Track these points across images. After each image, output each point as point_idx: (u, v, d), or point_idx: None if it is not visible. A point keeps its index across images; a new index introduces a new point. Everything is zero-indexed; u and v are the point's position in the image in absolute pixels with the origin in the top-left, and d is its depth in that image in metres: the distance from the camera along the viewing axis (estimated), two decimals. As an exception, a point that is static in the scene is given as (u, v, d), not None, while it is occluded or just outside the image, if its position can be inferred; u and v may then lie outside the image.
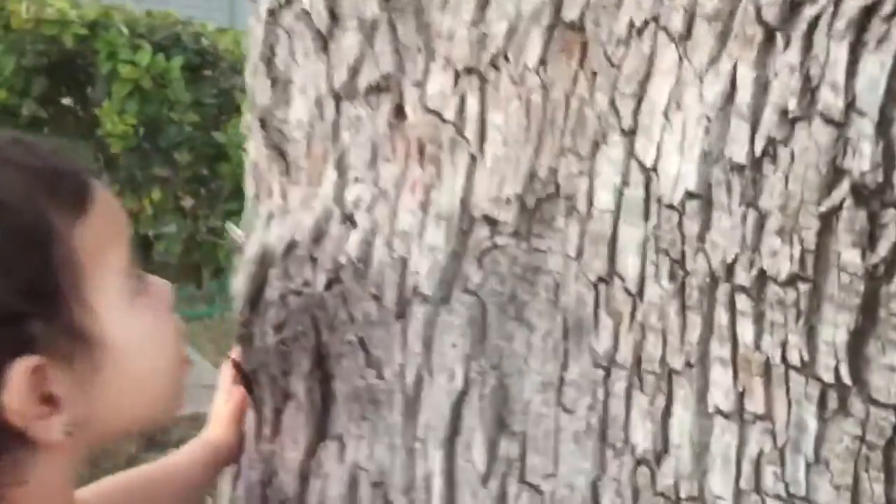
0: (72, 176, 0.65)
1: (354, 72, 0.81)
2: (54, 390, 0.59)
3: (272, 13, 0.90)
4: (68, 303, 0.61)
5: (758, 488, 0.64)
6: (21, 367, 0.57)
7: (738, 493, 0.65)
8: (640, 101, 0.66)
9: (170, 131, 3.04)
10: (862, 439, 0.61)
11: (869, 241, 0.59)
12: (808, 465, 0.63)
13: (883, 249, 0.59)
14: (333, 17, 0.83)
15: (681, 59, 0.64)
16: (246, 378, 0.94)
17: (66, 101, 3.00)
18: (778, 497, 0.64)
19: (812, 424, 0.63)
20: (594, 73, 0.68)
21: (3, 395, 0.56)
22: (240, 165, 3.15)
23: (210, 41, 3.19)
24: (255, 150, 0.96)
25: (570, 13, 0.68)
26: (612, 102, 0.67)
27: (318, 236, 0.83)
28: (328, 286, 0.82)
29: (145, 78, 2.83)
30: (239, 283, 0.94)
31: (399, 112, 0.78)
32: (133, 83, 2.82)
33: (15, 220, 0.60)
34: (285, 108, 0.89)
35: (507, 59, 0.71)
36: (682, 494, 0.66)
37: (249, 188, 1.03)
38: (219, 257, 3.21)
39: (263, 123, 0.91)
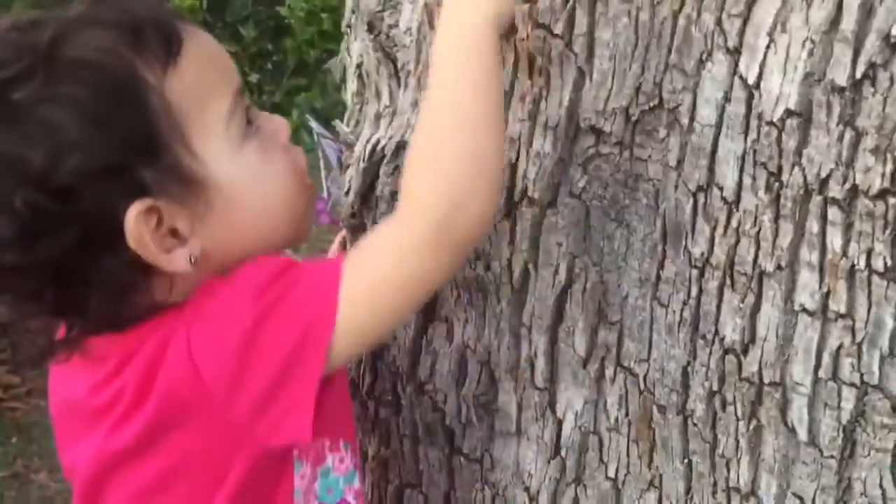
0: (158, 27, 0.70)
1: (464, -17, 0.85)
2: (177, 226, 0.70)
3: (380, -82, 0.93)
4: (171, 149, 0.69)
5: (835, 377, 0.72)
6: (134, 210, 0.67)
7: (816, 381, 0.73)
8: (745, 21, 0.70)
9: (235, 5, 3.05)
10: (935, 336, 0.69)
11: (959, 159, 0.64)
12: (882, 358, 0.71)
13: (971, 168, 0.64)
14: (443, -76, 0.86)
15: (789, -18, 0.67)
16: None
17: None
18: (853, 385, 0.72)
19: (889, 323, 0.70)
20: (702, -7, 0.71)
21: (127, 235, 0.67)
22: (303, 40, 3.18)
23: None
24: (360, 51, 1.02)
25: (682, -68, 0.71)
26: (719, 22, 0.71)
27: (429, 139, 0.89)
28: (438, 186, 0.89)
29: (212, -49, 2.84)
30: (348, 175, 1.02)
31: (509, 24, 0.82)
32: (199, -44, 2.83)
33: (102, 77, 0.67)
34: (394, 14, 0.93)
35: (617, -24, 0.75)
36: (766, 380, 0.75)
37: (351, 86, 1.09)
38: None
39: (371, 27, 0.96)
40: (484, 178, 0.70)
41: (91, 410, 0.73)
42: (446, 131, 0.70)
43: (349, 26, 1.09)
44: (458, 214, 0.68)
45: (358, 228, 0.99)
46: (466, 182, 0.68)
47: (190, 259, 0.70)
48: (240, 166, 0.73)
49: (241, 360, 0.68)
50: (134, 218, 0.67)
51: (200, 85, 0.71)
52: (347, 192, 0.98)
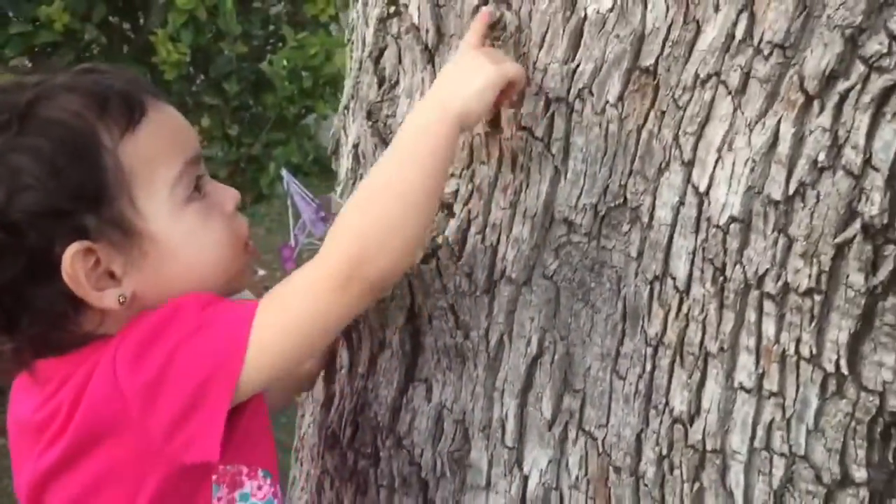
0: (125, 98, 0.81)
1: (457, 84, 0.96)
2: (112, 268, 0.79)
3: (382, 21, 1.05)
4: (115, 202, 0.79)
5: (767, 447, 0.83)
6: (71, 250, 0.76)
7: (751, 450, 0.84)
8: (698, 139, 0.82)
9: (220, 61, 3.16)
10: (852, 415, 0.80)
11: (872, 267, 0.76)
12: (808, 432, 0.82)
13: (882, 275, 0.76)
14: (440, 34, 0.98)
15: (735, 109, 0.80)
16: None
17: (125, 26, 3.12)
18: (783, 455, 0.82)
19: (814, 402, 0.81)
20: (662, 112, 0.84)
21: (62, 271, 0.76)
22: (284, 97, 3.29)
23: (259, -28, 3.30)
24: (358, 133, 1.12)
25: (647, 60, 0.84)
26: (676, 138, 0.83)
27: (419, 219, 1.00)
28: (425, 261, 0.99)
29: (200, 9, 2.95)
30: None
31: (494, 124, 0.94)
32: (188, 13, 2.94)
33: (64, 134, 0.78)
34: (391, 106, 1.05)
35: (591, 93, 0.87)
36: (708, 448, 0.85)
37: (346, 162, 1.19)
38: (261, 184, 3.38)
39: (370, 115, 1.07)
40: (397, 239, 0.80)
41: (32, 429, 0.81)
42: (379, 192, 0.82)
43: (346, 108, 1.20)
44: (367, 263, 0.78)
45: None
46: (381, 238, 0.79)
47: (119, 299, 0.79)
48: (177, 225, 0.82)
49: (158, 383, 0.76)
50: (70, 257, 0.76)
51: (153, 151, 0.81)
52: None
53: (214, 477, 0.82)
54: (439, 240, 0.97)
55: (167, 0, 2.93)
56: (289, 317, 0.79)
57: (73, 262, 0.76)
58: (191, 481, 0.81)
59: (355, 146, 1.14)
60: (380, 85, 1.06)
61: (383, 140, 1.06)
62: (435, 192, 0.83)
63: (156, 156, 0.81)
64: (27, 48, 2.78)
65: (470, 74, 0.83)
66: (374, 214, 0.81)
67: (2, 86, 0.81)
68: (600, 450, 0.91)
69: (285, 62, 3.31)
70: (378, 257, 0.79)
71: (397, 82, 1.04)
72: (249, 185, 3.40)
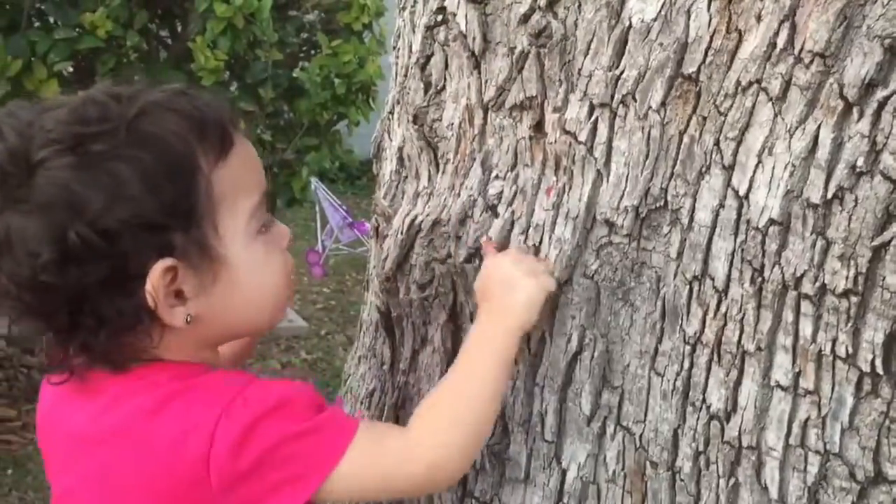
0: (220, 127, 0.84)
1: (502, 90, 1.00)
2: (183, 287, 0.82)
3: (429, 29, 1.08)
4: (202, 224, 0.82)
5: (802, 444, 0.85)
6: (160, 265, 0.79)
7: (786, 447, 0.86)
8: (739, 144, 0.85)
9: (255, 68, 3.22)
10: (886, 414, 0.82)
11: (908, 269, 0.79)
12: (842, 430, 0.84)
13: (918, 277, 0.78)
14: (486, 41, 1.02)
15: (776, 115, 0.82)
16: (388, 321, 1.16)
17: (163, 33, 3.20)
18: (817, 452, 0.85)
19: (849, 400, 0.83)
20: (704, 118, 0.87)
21: (147, 283, 0.79)
22: (317, 103, 3.34)
23: (296, -20, 3.36)
24: (403, 136, 1.16)
25: (689, 68, 0.87)
26: (717, 143, 0.86)
27: (464, 219, 1.03)
28: (468, 259, 1.02)
29: (238, 17, 3.01)
30: (386, 245, 1.16)
31: (539, 128, 0.97)
32: (226, 21, 3.00)
33: (169, 153, 0.80)
34: (437, 110, 1.08)
35: (634, 98, 0.90)
36: (744, 444, 0.88)
37: (390, 164, 1.23)
38: (294, 189, 3.44)
39: (416, 119, 1.10)
40: (474, 445, 0.90)
41: (91, 438, 0.83)
42: (457, 406, 0.89)
43: (391, 113, 1.24)
44: (443, 467, 0.87)
45: (392, 291, 1.12)
46: (459, 446, 0.87)
47: (186, 318, 0.82)
48: (248, 255, 0.86)
49: (248, 473, 0.78)
50: (159, 271, 0.79)
51: (239, 181, 0.85)
52: (385, 260, 1.11)
53: None
54: (483, 239, 1.01)
55: (206, 8, 2.99)
56: (377, 468, 0.85)
57: (158, 277, 0.79)
58: None
59: (399, 149, 1.17)
60: (426, 90, 1.09)
61: (429, 144, 1.10)
62: (500, 392, 0.92)
63: (241, 185, 0.85)
64: (71, 53, 2.84)
65: (518, 286, 0.92)
66: (453, 422, 0.88)
67: (104, 92, 0.83)
68: (637, 445, 0.93)
69: (319, 69, 3.37)
70: (453, 465, 0.88)
71: (443, 87, 1.08)
72: (282, 189, 3.46)
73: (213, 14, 2.99)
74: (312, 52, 3.50)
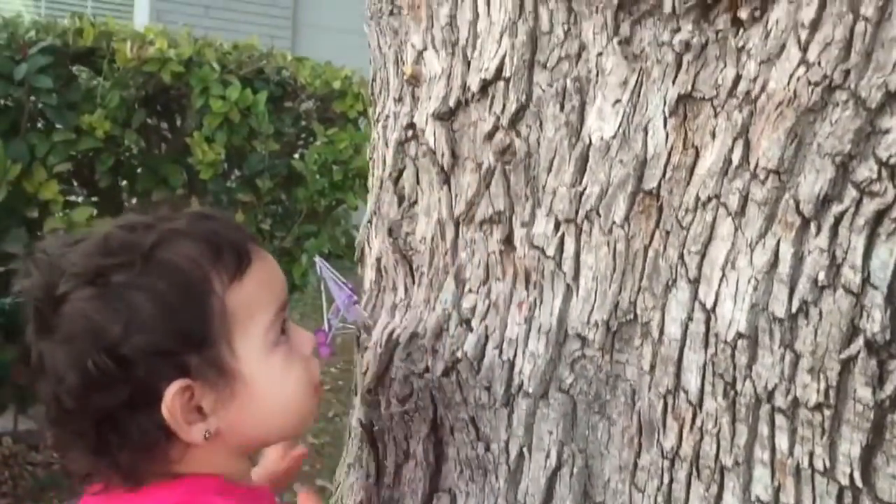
0: (236, 248, 0.86)
1: (471, 205, 1.01)
2: (202, 404, 0.83)
3: (400, 144, 1.11)
4: (217, 344, 0.83)
5: (788, 561, 0.83)
6: (174, 387, 0.80)
7: (772, 564, 0.84)
8: (702, 257, 0.85)
9: (253, 159, 3.28)
10: (870, 528, 0.80)
11: (878, 381, 0.78)
12: (827, 545, 0.82)
13: (889, 389, 0.78)
14: (454, 156, 1.03)
15: (736, 230, 0.83)
16: (371, 435, 1.15)
17: (162, 127, 3.26)
18: (803, 569, 0.83)
19: (831, 515, 0.82)
20: (667, 232, 0.87)
21: (162, 405, 0.80)
22: (315, 191, 3.38)
23: (290, 72, 3.43)
24: (380, 248, 1.17)
25: (650, 184, 0.88)
26: (681, 256, 0.86)
27: (439, 332, 1.03)
28: (446, 373, 1.02)
29: (234, 111, 3.07)
30: (366, 357, 1.16)
31: (508, 242, 0.98)
32: (223, 116, 3.06)
33: (181, 278, 0.82)
34: (411, 224, 1.10)
35: (598, 214, 0.91)
36: (729, 562, 0.86)
37: (369, 274, 1.24)
38: (294, 276, 3.45)
39: (391, 232, 1.12)
40: None
41: None
42: None
43: (370, 222, 1.25)
44: None
45: (374, 404, 1.12)
46: None
47: (205, 434, 0.83)
48: (266, 368, 0.86)
49: None
50: (172, 393, 0.80)
51: (254, 299, 0.86)
52: (365, 373, 1.11)
53: None
54: (458, 354, 1.01)
55: (203, 104, 3.06)
56: None
57: (173, 398, 0.80)
58: None
59: (378, 260, 1.18)
60: (399, 203, 1.11)
61: (404, 256, 1.11)
62: None
63: (256, 302, 0.86)
64: (69, 155, 2.90)
65: None
66: None
67: (124, 224, 0.87)
68: (623, 563, 0.92)
69: (316, 157, 3.42)
70: None
71: (416, 201, 1.09)
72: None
73: (209, 109, 3.05)
74: (309, 140, 3.55)
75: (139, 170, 3.19)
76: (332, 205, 3.57)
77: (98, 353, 0.79)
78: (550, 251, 0.94)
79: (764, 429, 0.83)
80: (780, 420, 0.82)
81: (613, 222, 0.90)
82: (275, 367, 0.87)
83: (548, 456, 0.95)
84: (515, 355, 0.97)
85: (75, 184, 3.15)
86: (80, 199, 3.13)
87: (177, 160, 3.24)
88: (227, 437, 0.85)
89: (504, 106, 0.96)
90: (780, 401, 0.82)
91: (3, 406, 3.22)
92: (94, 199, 3.18)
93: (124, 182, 3.19)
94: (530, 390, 0.95)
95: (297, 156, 3.53)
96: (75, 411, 0.81)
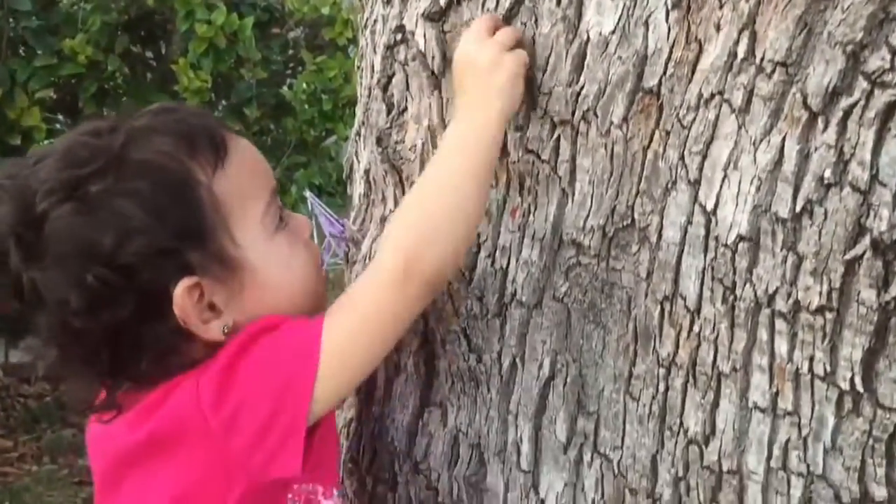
0: (209, 135, 0.83)
1: (463, 109, 0.97)
2: (214, 300, 0.82)
3: (389, 48, 1.06)
4: (217, 237, 0.81)
5: (784, 467, 0.82)
6: (181, 287, 0.79)
7: (768, 470, 0.82)
8: (704, 158, 0.82)
9: (240, 87, 3.21)
10: (869, 433, 0.79)
11: (883, 283, 0.75)
12: (825, 451, 0.80)
13: (894, 290, 0.75)
14: (445, 59, 0.99)
15: (739, 127, 0.79)
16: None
17: (147, 55, 3.18)
18: (800, 474, 0.81)
19: (831, 420, 0.80)
20: (667, 132, 0.84)
21: (174, 306, 0.78)
22: (304, 120, 3.32)
23: (278, -2, 3.35)
24: (368, 159, 1.13)
25: (650, 81, 0.84)
26: (682, 157, 0.83)
27: (429, 244, 1.00)
28: (437, 285, 0.99)
29: (219, 36, 2.99)
30: (355, 271, 1.13)
31: (502, 148, 0.94)
32: (208, 41, 2.98)
33: (163, 175, 0.80)
34: (401, 132, 1.05)
35: (595, 115, 0.87)
36: (724, 468, 0.84)
37: (358, 187, 1.20)
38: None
39: (380, 141, 1.08)
40: (450, 233, 0.84)
41: (128, 449, 0.82)
42: (431, 188, 0.85)
43: (358, 134, 1.21)
44: (421, 258, 0.81)
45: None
46: (434, 233, 0.82)
47: (223, 329, 0.82)
48: (271, 253, 0.85)
49: (239, 408, 0.77)
50: (180, 293, 0.79)
51: (243, 185, 0.84)
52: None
53: (290, 496, 0.84)
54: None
55: (187, 29, 2.97)
56: (354, 319, 0.81)
57: (183, 298, 0.79)
58: (268, 498, 0.82)
59: (366, 172, 1.15)
60: (388, 111, 1.07)
61: (393, 166, 1.07)
62: (485, 185, 0.87)
63: (246, 188, 0.84)
64: (52, 80, 2.83)
65: (493, 68, 0.85)
66: (427, 210, 0.84)
67: (86, 131, 0.83)
68: (616, 472, 0.90)
69: (305, 86, 3.35)
70: (432, 252, 0.82)
71: (405, 108, 1.05)
72: (272, 208, 3.43)
73: (194, 34, 2.97)
74: (297, 69, 3.47)
75: (124, 98, 3.12)
76: (322, 135, 3.51)
77: (96, 267, 0.76)
78: (545, 155, 0.90)
79: (763, 334, 0.81)
80: (780, 324, 0.80)
81: (611, 123, 0.86)
82: (279, 251, 0.85)
83: (541, 366, 0.93)
84: (508, 263, 0.94)
85: (59, 112, 3.08)
86: (64, 128, 3.07)
87: (162, 88, 3.17)
88: (246, 326, 0.82)
89: (497, 2, 0.92)
90: (781, 304, 0.79)
91: (-7, 338, 3.20)
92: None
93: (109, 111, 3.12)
94: (523, 299, 0.93)
95: (286, 85, 3.46)
96: (85, 332, 0.78)
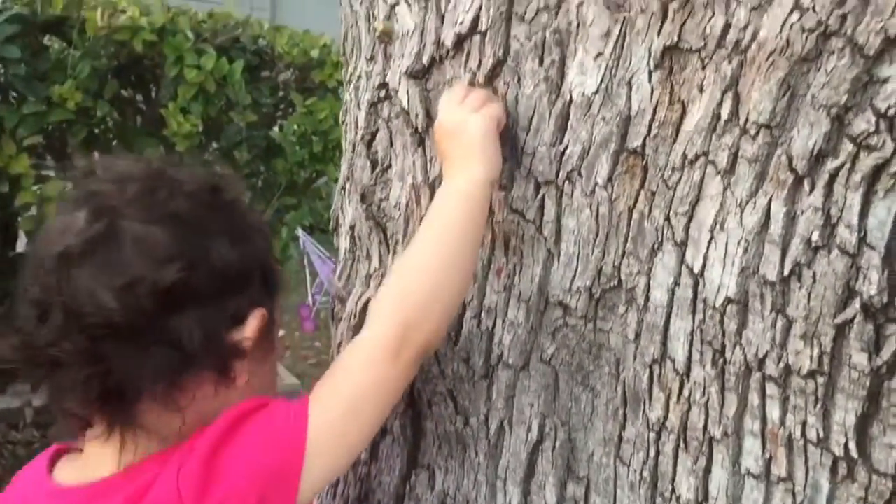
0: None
1: (447, 168, 0.96)
2: (251, 348, 0.80)
3: (373, 105, 1.05)
4: (275, 307, 0.83)
5: (779, 535, 0.80)
6: (261, 312, 0.79)
7: (763, 538, 0.80)
8: (690, 219, 0.81)
9: (230, 131, 3.20)
10: (865, 499, 0.77)
11: (875, 347, 0.74)
12: (820, 519, 0.78)
13: (886, 354, 0.73)
14: (429, 117, 0.98)
15: (725, 189, 0.78)
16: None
17: (137, 99, 3.17)
18: (795, 543, 0.79)
19: (825, 486, 0.78)
20: (653, 193, 0.82)
21: (246, 327, 0.78)
22: (295, 162, 3.31)
23: (267, 41, 3.34)
24: (353, 215, 1.12)
25: (634, 142, 0.83)
26: (668, 218, 0.82)
27: (415, 303, 0.98)
28: (422, 345, 0.97)
29: (209, 81, 2.99)
30: (339, 330, 1.11)
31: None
32: (198, 86, 2.98)
33: (252, 222, 0.83)
34: (385, 189, 1.04)
35: (580, 175, 0.86)
36: (718, 536, 0.82)
37: (344, 243, 1.19)
38: (273, 249, 3.39)
39: (364, 198, 1.06)
40: (441, 303, 0.83)
41: None
42: (420, 260, 0.84)
43: (343, 189, 1.20)
44: (416, 329, 0.80)
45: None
46: (427, 304, 0.82)
47: (246, 378, 0.80)
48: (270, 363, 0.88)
49: (223, 496, 0.73)
50: (258, 316, 0.79)
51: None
52: (339, 346, 1.06)
53: None
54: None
55: (177, 74, 2.97)
56: (344, 397, 0.79)
57: (258, 321, 0.79)
58: None
59: (351, 227, 1.13)
60: (373, 168, 1.06)
61: (378, 224, 1.06)
62: (475, 249, 0.87)
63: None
64: (41, 127, 2.82)
65: (461, 131, 0.86)
66: (418, 283, 0.83)
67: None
68: (607, 539, 0.88)
69: (295, 127, 3.35)
70: (426, 322, 0.82)
71: (389, 165, 1.04)
72: (263, 250, 3.41)
73: (183, 79, 2.97)
74: (288, 111, 3.48)
75: (114, 142, 3.11)
76: (313, 176, 3.50)
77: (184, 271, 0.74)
78: (530, 215, 0.89)
79: (754, 398, 0.79)
80: (771, 389, 0.78)
81: (596, 183, 0.85)
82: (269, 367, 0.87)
83: (529, 429, 0.91)
84: (494, 325, 0.92)
85: (48, 157, 3.07)
86: (52, 174, 3.05)
87: (152, 132, 3.16)
88: (238, 391, 0.80)
89: (480, 62, 0.91)
90: (772, 368, 0.78)
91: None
92: (67, 172, 3.10)
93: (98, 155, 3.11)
94: (510, 361, 0.91)
95: (276, 127, 3.46)
96: (144, 330, 0.73)
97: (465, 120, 0.86)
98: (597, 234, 0.86)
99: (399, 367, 0.80)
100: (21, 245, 3.04)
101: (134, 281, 0.72)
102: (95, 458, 0.80)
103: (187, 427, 0.77)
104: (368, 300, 1.04)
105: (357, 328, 1.04)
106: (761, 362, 0.78)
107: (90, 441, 0.81)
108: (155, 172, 0.80)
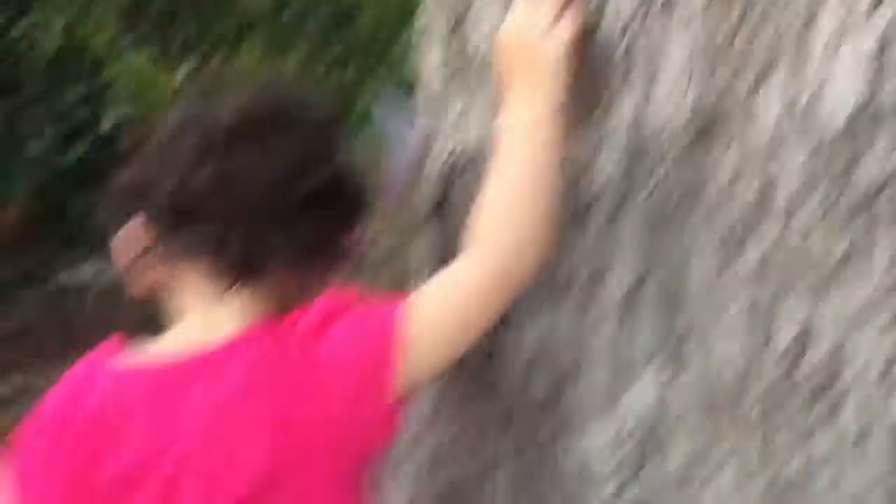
0: None
1: None
2: None
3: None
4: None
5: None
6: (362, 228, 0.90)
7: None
8: (803, 37, 0.73)
9: None
10: None
11: None
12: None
13: None
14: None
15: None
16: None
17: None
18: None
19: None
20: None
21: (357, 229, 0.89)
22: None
23: None
24: (439, 60, 1.06)
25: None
26: (780, 37, 0.75)
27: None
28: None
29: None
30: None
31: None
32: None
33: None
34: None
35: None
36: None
37: (426, 88, 1.13)
38: (354, 113, 3.37)
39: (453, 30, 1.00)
40: (539, 237, 0.83)
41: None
42: (516, 197, 0.84)
43: (426, 32, 1.14)
44: (518, 260, 0.83)
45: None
46: (528, 238, 0.83)
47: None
48: None
49: (328, 379, 0.80)
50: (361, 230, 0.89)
51: None
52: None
53: None
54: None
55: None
56: (446, 310, 0.83)
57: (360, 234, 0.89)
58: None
59: (434, 71, 1.08)
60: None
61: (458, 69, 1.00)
62: (556, 186, 0.84)
63: None
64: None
65: (535, 61, 0.83)
66: (517, 218, 0.83)
67: None
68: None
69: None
70: (527, 255, 0.83)
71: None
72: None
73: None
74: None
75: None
76: (393, 36, 3.41)
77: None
78: (619, 52, 0.83)
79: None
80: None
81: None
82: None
83: (625, 273, 0.88)
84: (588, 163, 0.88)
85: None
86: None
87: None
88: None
89: None
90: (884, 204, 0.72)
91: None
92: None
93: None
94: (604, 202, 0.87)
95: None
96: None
97: (539, 40, 0.83)
98: (695, 64, 0.79)
99: (498, 297, 0.84)
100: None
101: (306, 161, 0.82)
102: (207, 322, 0.84)
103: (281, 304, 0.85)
104: (454, 149, 1.01)
105: (442, 179, 1.02)
106: (877, 193, 0.72)
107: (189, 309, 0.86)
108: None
